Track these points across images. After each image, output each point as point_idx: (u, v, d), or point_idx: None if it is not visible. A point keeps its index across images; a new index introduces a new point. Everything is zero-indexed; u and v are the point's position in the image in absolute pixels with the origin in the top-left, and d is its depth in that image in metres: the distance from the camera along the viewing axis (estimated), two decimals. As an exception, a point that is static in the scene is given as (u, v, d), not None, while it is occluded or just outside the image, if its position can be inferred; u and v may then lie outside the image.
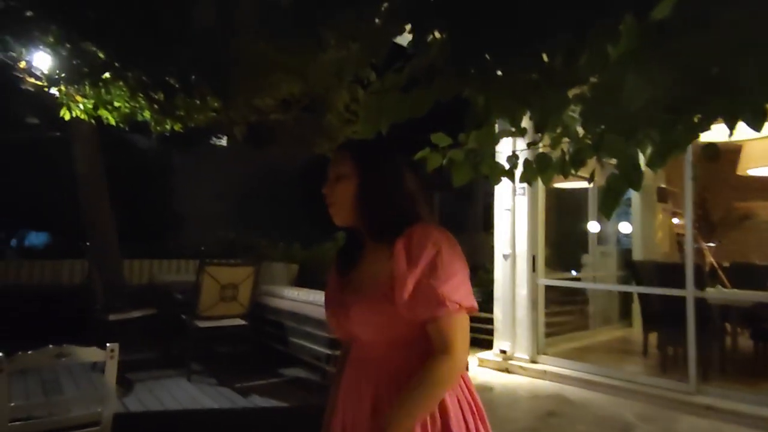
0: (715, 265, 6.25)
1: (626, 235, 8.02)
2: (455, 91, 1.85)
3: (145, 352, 4.73)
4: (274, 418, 3.47)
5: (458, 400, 1.14)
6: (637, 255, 7.39)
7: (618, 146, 1.92)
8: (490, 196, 6.06)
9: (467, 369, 1.23)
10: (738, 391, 4.20)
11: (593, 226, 7.42)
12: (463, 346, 1.10)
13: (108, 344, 1.90)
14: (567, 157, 2.22)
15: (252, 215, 12.69)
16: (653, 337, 5.47)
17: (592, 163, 2.19)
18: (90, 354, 1.89)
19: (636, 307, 7.12)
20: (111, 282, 5.16)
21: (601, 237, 7.56)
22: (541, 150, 2.28)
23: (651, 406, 4.21)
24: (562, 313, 6.89)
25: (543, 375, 5.04)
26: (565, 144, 2.22)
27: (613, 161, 2.08)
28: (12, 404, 1.71)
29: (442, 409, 1.11)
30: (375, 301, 1.14)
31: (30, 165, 10.00)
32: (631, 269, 5.84)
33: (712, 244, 7.44)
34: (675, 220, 8.15)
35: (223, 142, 14.20)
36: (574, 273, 7.69)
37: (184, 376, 4.04)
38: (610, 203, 1.94)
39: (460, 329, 1.10)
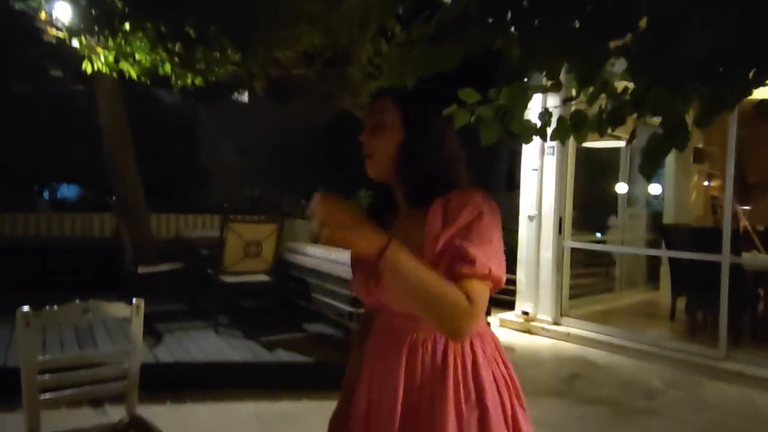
0: (749, 229, 6.02)
1: (655, 197, 7.76)
2: (488, 42, 1.71)
3: (173, 305, 4.84)
4: (298, 372, 3.53)
5: (494, 376, 1.08)
6: (669, 218, 7.17)
7: (664, 103, 1.78)
8: (515, 155, 5.89)
9: (498, 341, 1.16)
10: (769, 358, 4.10)
11: (622, 188, 7.19)
12: (480, 312, 0.99)
13: (134, 300, 1.90)
14: (604, 115, 2.09)
15: (274, 172, 12.71)
16: (681, 302, 5.36)
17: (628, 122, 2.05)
18: (116, 309, 1.90)
19: (663, 271, 6.97)
20: (139, 236, 5.25)
21: (630, 199, 7.34)
22: (574, 107, 2.14)
23: (677, 371, 4.16)
24: (586, 275, 6.79)
25: (566, 337, 5.01)
26: (602, 100, 2.09)
27: (655, 120, 1.94)
28: (41, 358, 1.74)
29: (478, 381, 1.05)
30: None
31: (58, 118, 10.14)
32: (663, 232, 5.66)
33: (747, 208, 7.16)
34: (706, 182, 7.84)
35: (245, 98, 14.09)
36: (599, 235, 7.53)
37: (212, 328, 4.13)
38: (652, 165, 1.81)
39: (483, 296, 0.99)
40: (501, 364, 1.11)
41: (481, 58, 1.69)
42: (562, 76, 2.04)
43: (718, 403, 3.54)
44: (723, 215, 7.09)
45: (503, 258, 1.04)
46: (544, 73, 1.96)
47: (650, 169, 1.83)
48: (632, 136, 2.36)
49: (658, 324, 5.64)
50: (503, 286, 1.06)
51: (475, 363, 1.07)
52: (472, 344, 1.08)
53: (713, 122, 1.74)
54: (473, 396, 1.04)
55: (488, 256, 1.00)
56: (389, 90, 1.21)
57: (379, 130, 1.13)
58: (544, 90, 2.17)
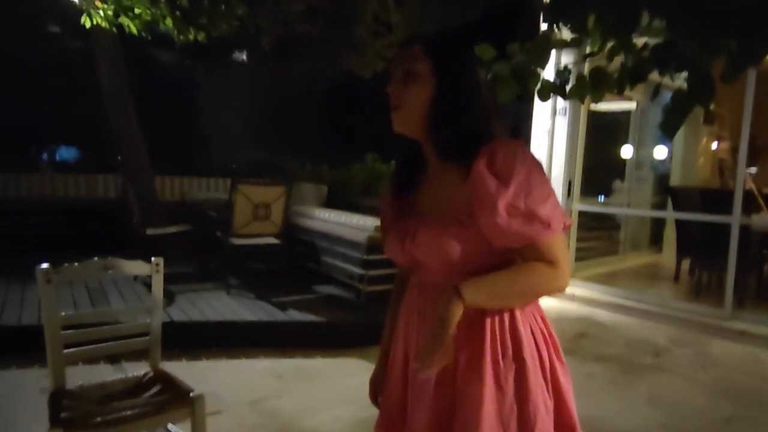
0: (755, 190, 6.00)
1: (661, 161, 7.70)
2: (513, -9, 1.64)
3: (183, 267, 4.86)
4: (311, 331, 3.57)
5: (531, 330, 1.06)
6: (676, 180, 7.14)
7: (691, 58, 1.73)
8: (520, 119, 5.79)
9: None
10: (773, 318, 4.15)
11: (628, 151, 7.12)
12: (567, 263, 1.02)
13: (153, 258, 1.90)
14: (626, 72, 2.03)
15: (278, 134, 12.57)
16: (685, 264, 5.39)
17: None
18: (136, 267, 1.89)
19: (668, 233, 6.99)
20: (146, 197, 5.23)
21: (636, 162, 7.27)
22: (587, 65, 2.08)
23: (683, 330, 4.21)
24: (591, 238, 6.81)
25: (572, 298, 5.05)
26: (621, 57, 2.02)
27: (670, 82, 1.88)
28: (63, 314, 1.74)
29: (515, 337, 1.04)
30: (447, 226, 1.03)
31: (55, 77, 9.93)
32: (671, 195, 5.63)
33: (753, 169, 7.11)
34: (714, 144, 7.76)
35: (244, 57, 13.76)
36: (602, 199, 7.51)
37: (223, 289, 4.16)
38: (676, 122, 1.78)
39: (564, 248, 1.02)
40: (539, 319, 1.10)
41: (499, 12, 1.63)
42: (589, 27, 1.97)
43: (724, 360, 3.60)
44: (730, 178, 7.02)
45: (557, 200, 1.03)
46: (569, 24, 1.90)
47: (673, 126, 1.80)
48: (656, 92, 2.31)
49: (662, 285, 5.70)
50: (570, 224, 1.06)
51: (512, 318, 1.05)
52: None
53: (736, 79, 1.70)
54: (510, 351, 1.03)
55: (555, 208, 1.00)
56: (419, 37, 1.12)
57: (408, 80, 1.07)
58: (567, 45, 2.10)
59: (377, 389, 1.30)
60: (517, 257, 1.03)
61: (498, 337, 1.04)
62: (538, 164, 1.03)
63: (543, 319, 1.11)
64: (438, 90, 1.06)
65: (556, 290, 1.02)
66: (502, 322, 1.05)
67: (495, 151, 1.00)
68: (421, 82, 1.06)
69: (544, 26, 1.93)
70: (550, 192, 1.01)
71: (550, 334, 1.11)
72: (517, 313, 1.06)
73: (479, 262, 1.03)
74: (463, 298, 0.96)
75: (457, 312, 0.96)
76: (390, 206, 1.21)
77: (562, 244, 1.01)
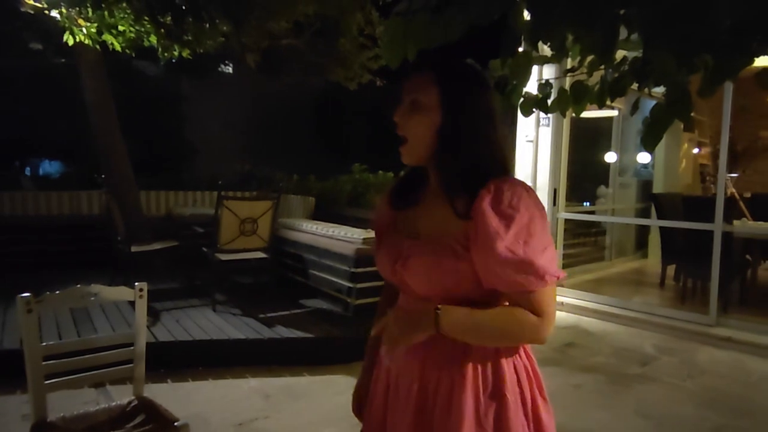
0: (737, 196, 6.10)
1: (644, 166, 7.80)
2: (495, 11, 1.67)
3: (168, 283, 4.81)
4: (299, 347, 3.55)
5: (515, 366, 1.05)
6: (659, 187, 7.23)
7: (668, 73, 1.76)
8: (506, 127, 5.84)
9: None
10: (757, 323, 4.21)
11: (612, 157, 7.21)
12: (553, 317, 0.99)
13: (136, 283, 1.87)
14: (605, 86, 2.06)
15: (265, 146, 12.54)
16: (671, 270, 5.45)
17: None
18: (119, 293, 1.87)
19: (652, 239, 7.07)
20: (130, 214, 5.17)
21: (619, 168, 7.36)
22: (572, 78, 2.11)
23: (669, 337, 4.25)
24: (577, 244, 6.86)
25: (560, 306, 5.08)
26: (601, 71, 2.05)
27: (655, 91, 1.92)
28: (44, 344, 1.71)
29: (497, 372, 1.02)
30: (441, 256, 1.02)
31: (39, 93, 9.82)
32: (654, 201, 5.71)
33: (734, 175, 7.24)
34: (695, 150, 7.89)
35: (230, 69, 13.74)
36: (587, 204, 7.58)
37: (209, 306, 4.12)
38: (655, 135, 1.80)
39: (552, 301, 0.99)
40: (523, 356, 1.08)
41: (482, 28, 1.64)
42: (568, 45, 2.00)
43: (710, 368, 3.63)
44: (712, 183, 7.12)
45: (555, 253, 1.03)
46: (548, 43, 1.92)
47: (653, 139, 1.82)
48: (635, 107, 2.35)
49: (648, 292, 5.75)
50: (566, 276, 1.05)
51: (496, 354, 1.04)
52: None
53: (713, 94, 1.74)
54: (491, 387, 1.02)
55: (551, 261, 0.97)
56: (429, 61, 1.08)
57: (415, 109, 1.04)
58: (549, 61, 2.13)
59: (361, 401, 1.29)
60: (503, 297, 1.02)
61: (480, 371, 1.02)
62: (541, 210, 1.01)
63: (528, 355, 1.09)
64: (444, 122, 1.03)
65: (536, 342, 1.00)
66: (485, 356, 1.03)
67: (501, 190, 0.98)
68: (428, 113, 1.03)
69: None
70: (549, 242, 0.99)
71: (534, 370, 1.09)
72: (501, 349, 1.04)
73: (467, 294, 1.02)
74: (439, 326, 0.96)
75: (422, 336, 0.98)
76: (386, 217, 1.19)
77: (552, 297, 0.99)
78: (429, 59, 1.11)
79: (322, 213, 6.26)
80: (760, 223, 5.08)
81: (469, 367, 1.02)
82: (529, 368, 1.07)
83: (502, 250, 0.95)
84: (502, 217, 0.96)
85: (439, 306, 0.97)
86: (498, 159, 1.05)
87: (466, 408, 1.00)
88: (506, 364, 1.03)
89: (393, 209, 1.17)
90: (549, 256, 0.97)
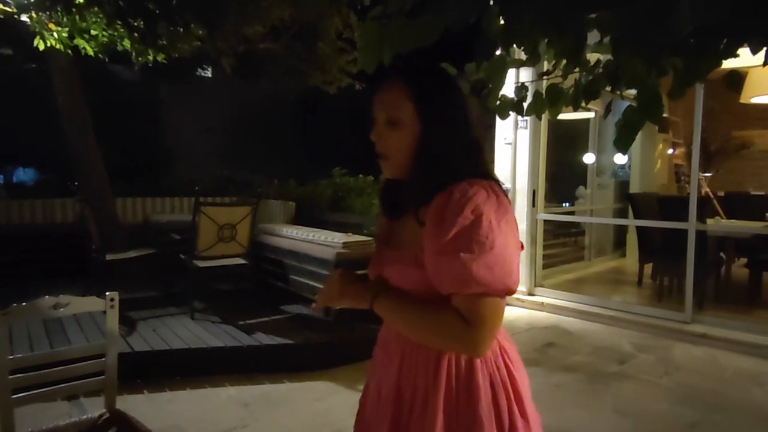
0: (711, 194, 6.24)
1: (621, 167, 7.95)
2: (469, 17, 1.67)
3: (145, 292, 4.73)
4: (279, 354, 3.51)
5: (491, 381, 1.00)
6: (635, 187, 7.35)
7: (640, 75, 1.79)
8: (486, 128, 5.89)
9: (506, 344, 1.08)
10: (731, 319, 4.30)
11: (590, 158, 7.32)
12: (488, 329, 0.94)
13: (107, 293, 1.83)
14: (579, 89, 2.08)
15: (244, 150, 12.43)
16: (648, 268, 5.54)
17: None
18: (89, 304, 1.82)
19: (630, 238, 7.19)
20: (105, 221, 5.07)
21: (597, 169, 7.48)
22: (548, 81, 2.14)
23: (647, 335, 4.32)
24: (557, 245, 6.94)
25: (540, 307, 5.13)
26: (575, 74, 2.08)
27: (628, 93, 1.95)
28: (11, 357, 1.66)
29: (470, 388, 0.98)
30: (406, 265, 1.02)
31: (11, 99, 9.59)
32: (631, 202, 5.80)
33: (708, 174, 7.41)
34: (670, 151, 8.05)
35: (209, 73, 13.60)
36: (566, 205, 7.69)
37: (187, 314, 4.05)
38: (628, 138, 1.83)
39: (486, 312, 0.93)
40: (503, 369, 1.02)
41: (457, 31, 1.65)
42: (541, 49, 2.02)
43: (685, 364, 3.70)
44: (687, 183, 7.27)
45: (513, 259, 0.95)
46: (522, 47, 1.94)
47: (626, 141, 1.85)
48: (608, 109, 2.38)
49: (626, 290, 5.84)
50: (516, 288, 0.98)
51: (470, 369, 0.99)
52: None
53: (683, 95, 1.77)
54: (464, 407, 0.97)
55: (490, 268, 0.91)
56: (400, 73, 1.05)
57: (391, 126, 1.02)
58: (523, 64, 2.15)
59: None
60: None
61: (453, 388, 0.99)
62: (499, 213, 0.95)
63: (508, 368, 1.04)
64: (422, 135, 1.01)
65: (467, 351, 0.97)
66: (459, 372, 0.99)
67: (452, 192, 0.95)
68: (404, 129, 1.01)
69: (501, 47, 1.97)
70: (492, 246, 0.92)
71: (515, 386, 1.03)
72: (477, 364, 1.00)
73: (437, 301, 0.99)
74: (372, 304, 1.03)
75: (356, 302, 1.06)
76: (384, 227, 1.19)
77: (490, 308, 0.93)
78: (398, 70, 1.08)
79: (302, 218, 6.22)
80: (733, 221, 5.20)
81: (442, 383, 0.99)
82: (509, 383, 1.02)
83: (438, 251, 0.94)
84: (443, 219, 0.94)
85: (388, 285, 1.03)
86: (477, 162, 1.03)
87: (438, 422, 0.97)
88: (481, 379, 0.99)
89: (389, 219, 1.17)
90: (487, 261, 0.91)
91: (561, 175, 7.76)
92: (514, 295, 5.33)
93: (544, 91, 2.13)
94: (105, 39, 4.24)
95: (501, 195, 0.98)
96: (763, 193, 7.07)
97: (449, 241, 0.92)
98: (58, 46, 4.22)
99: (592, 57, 1.99)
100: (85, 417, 1.80)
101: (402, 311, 1.02)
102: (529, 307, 5.20)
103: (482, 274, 0.91)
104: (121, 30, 4.03)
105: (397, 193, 1.11)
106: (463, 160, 1.02)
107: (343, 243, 4.11)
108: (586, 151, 7.33)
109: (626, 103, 1.89)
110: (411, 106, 1.01)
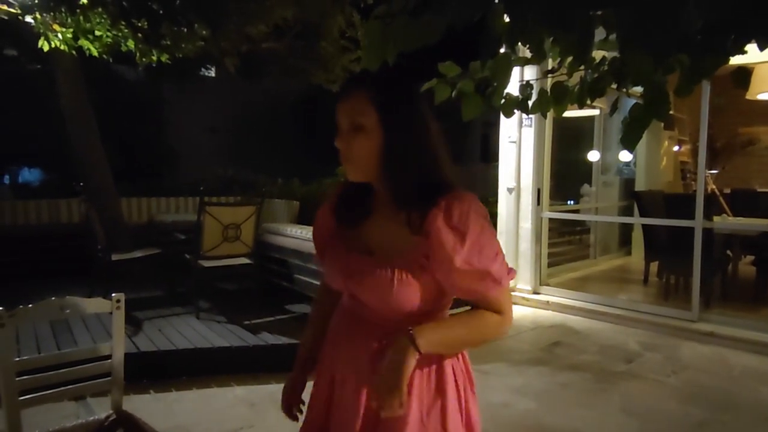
0: (717, 192, 6.20)
1: (626, 165, 7.91)
2: (473, 14, 1.66)
3: (150, 292, 4.74)
4: (285, 354, 3.49)
5: (453, 369, 1.12)
6: (641, 184, 7.32)
7: (646, 73, 1.77)
8: (489, 126, 5.87)
9: None
10: (738, 317, 4.27)
11: (595, 156, 7.28)
12: (512, 310, 1.11)
13: (113, 294, 1.83)
14: (585, 86, 2.07)
15: (248, 150, 12.45)
16: (654, 266, 5.51)
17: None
18: (95, 305, 1.82)
19: (636, 237, 7.15)
20: (111, 221, 5.08)
21: (602, 166, 7.45)
22: (553, 79, 2.12)
23: (653, 333, 4.30)
24: (561, 243, 6.92)
25: (546, 305, 5.11)
26: (580, 72, 2.06)
27: (634, 90, 1.93)
28: (17, 359, 1.66)
29: (441, 376, 1.10)
30: (403, 272, 1.03)
31: (16, 100, 9.64)
32: (637, 200, 5.77)
33: (714, 171, 7.36)
34: (675, 148, 8.01)
35: (212, 73, 13.62)
36: (571, 203, 7.65)
37: (192, 314, 4.06)
38: (634, 135, 1.81)
39: (509, 300, 1.12)
40: (460, 358, 1.16)
41: (461, 30, 1.64)
42: (546, 47, 2.00)
43: (693, 363, 3.68)
44: (692, 180, 7.22)
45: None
46: (527, 45, 1.93)
47: (633, 139, 1.83)
48: (614, 107, 2.36)
49: (632, 289, 5.82)
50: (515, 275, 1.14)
51: (440, 358, 1.10)
52: None
53: (690, 93, 1.76)
54: (434, 389, 1.09)
55: (503, 265, 1.06)
56: (361, 81, 1.09)
57: (354, 132, 1.04)
58: (528, 62, 2.13)
59: (291, 400, 1.30)
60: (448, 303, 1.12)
61: (425, 375, 1.08)
62: (487, 218, 1.07)
63: (463, 355, 1.17)
64: (386, 142, 1.04)
65: (500, 336, 1.14)
66: (430, 362, 1.08)
67: (451, 207, 1.03)
68: (367, 134, 1.04)
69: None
70: (498, 247, 1.07)
71: (467, 370, 1.17)
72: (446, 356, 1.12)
73: (420, 306, 1.06)
74: (418, 348, 0.99)
75: (412, 362, 0.99)
76: (330, 229, 1.19)
77: (509, 295, 1.11)
78: (362, 79, 1.11)
79: (306, 217, 6.21)
80: (739, 218, 5.17)
81: (415, 371, 1.04)
82: (464, 369, 1.16)
83: (461, 264, 1.01)
84: (455, 233, 1.02)
85: (410, 328, 1.00)
86: (442, 170, 1.08)
87: (411, 409, 1.04)
88: (447, 368, 1.10)
89: (342, 225, 1.17)
90: (500, 260, 1.06)
91: (566, 173, 7.73)
92: (519, 294, 5.32)
93: (549, 89, 2.11)
94: (109, 40, 4.25)
95: (477, 198, 1.08)
96: (769, 189, 7.03)
97: (470, 247, 1.02)
98: (62, 47, 4.23)
99: (598, 54, 1.97)
100: (92, 418, 1.81)
101: (446, 336, 1.06)
102: (534, 306, 5.18)
103: (501, 272, 1.05)
104: (125, 30, 4.03)
105: (359, 195, 1.13)
106: (435, 164, 1.07)
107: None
108: (591, 149, 7.29)
109: (632, 101, 1.88)
110: (374, 114, 1.03)
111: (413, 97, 1.09)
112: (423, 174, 1.06)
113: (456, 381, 1.12)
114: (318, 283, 4.39)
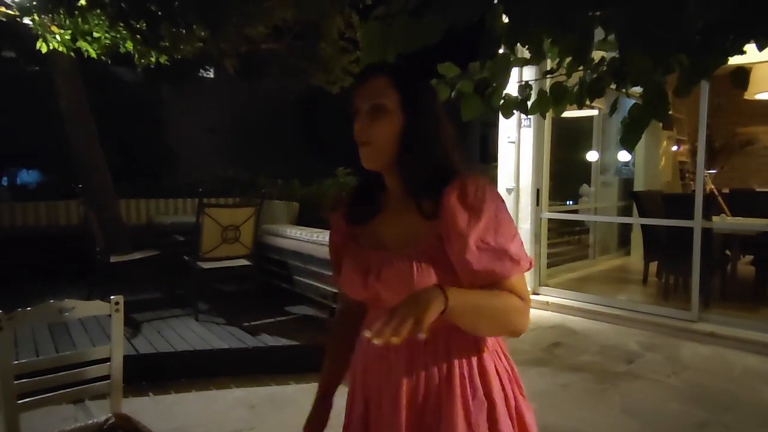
0: (715, 192, 6.21)
1: (625, 165, 7.91)
2: (473, 15, 1.65)
3: (149, 293, 4.73)
4: (285, 355, 3.50)
5: (497, 369, 1.06)
6: (639, 185, 7.32)
7: (645, 73, 1.77)
8: (487, 126, 5.87)
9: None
10: (738, 317, 4.27)
11: (593, 156, 7.28)
12: (530, 300, 1.04)
13: (112, 297, 1.82)
14: (584, 87, 2.07)
15: (247, 151, 12.44)
16: (653, 266, 5.51)
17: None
18: (94, 308, 1.82)
19: (635, 236, 7.15)
20: (109, 223, 5.07)
21: (601, 166, 7.45)
22: (548, 79, 2.12)
23: (653, 334, 4.29)
24: (561, 243, 6.91)
25: (545, 306, 5.11)
26: (580, 72, 2.06)
27: (633, 91, 1.93)
28: (16, 362, 1.65)
29: (484, 377, 1.03)
30: (420, 262, 1.00)
31: (14, 101, 9.62)
32: (636, 200, 5.77)
33: (712, 171, 7.36)
34: (674, 148, 8.02)
35: (211, 74, 13.62)
36: (570, 203, 7.65)
37: (191, 315, 4.05)
38: (634, 136, 1.82)
39: (526, 286, 1.04)
40: (503, 357, 1.09)
41: (461, 30, 1.64)
42: (545, 48, 2.00)
43: (693, 363, 3.67)
44: (691, 180, 7.21)
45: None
46: (526, 46, 1.92)
47: (632, 139, 1.83)
48: (613, 108, 2.36)
49: (631, 289, 5.81)
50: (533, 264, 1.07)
51: (479, 359, 1.04)
52: (475, 339, 1.04)
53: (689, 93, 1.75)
54: (480, 391, 1.02)
55: (521, 247, 1.00)
56: (383, 67, 1.08)
57: (377, 115, 1.02)
58: (527, 63, 2.13)
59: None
60: None
61: (467, 377, 1.02)
62: (503, 201, 1.03)
63: (506, 355, 1.11)
64: (407, 125, 1.03)
65: (520, 328, 0.99)
66: (470, 362, 1.03)
67: (466, 185, 0.99)
68: (388, 117, 1.02)
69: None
70: (516, 230, 1.02)
71: (513, 370, 1.10)
72: (484, 353, 1.05)
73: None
74: (447, 299, 0.87)
75: (438, 305, 0.86)
76: (343, 233, 1.16)
77: (525, 282, 1.03)
78: (381, 65, 1.12)
79: (306, 218, 6.21)
80: (738, 218, 5.17)
81: (456, 375, 1.01)
82: (509, 369, 1.09)
83: (476, 242, 0.96)
84: (470, 210, 0.98)
85: (442, 286, 0.91)
86: (455, 157, 1.07)
87: (458, 417, 0.99)
88: (489, 367, 1.04)
89: (349, 225, 1.15)
90: (519, 242, 1.01)
91: (565, 174, 7.72)
92: (519, 295, 5.30)
93: (548, 90, 2.11)
94: (107, 41, 4.25)
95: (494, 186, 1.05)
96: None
97: (485, 227, 0.97)
98: (60, 49, 4.23)
99: (597, 54, 1.97)
100: (91, 421, 1.80)
101: (474, 303, 0.94)
102: (533, 307, 5.17)
103: (520, 253, 0.99)
104: (124, 32, 4.03)
105: (369, 193, 1.12)
106: (446, 153, 1.06)
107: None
108: (590, 149, 7.29)
109: (631, 101, 1.87)
110: (396, 96, 1.03)
111: (429, 84, 1.10)
112: (439, 158, 1.04)
113: (502, 384, 1.05)
114: (318, 284, 4.36)
